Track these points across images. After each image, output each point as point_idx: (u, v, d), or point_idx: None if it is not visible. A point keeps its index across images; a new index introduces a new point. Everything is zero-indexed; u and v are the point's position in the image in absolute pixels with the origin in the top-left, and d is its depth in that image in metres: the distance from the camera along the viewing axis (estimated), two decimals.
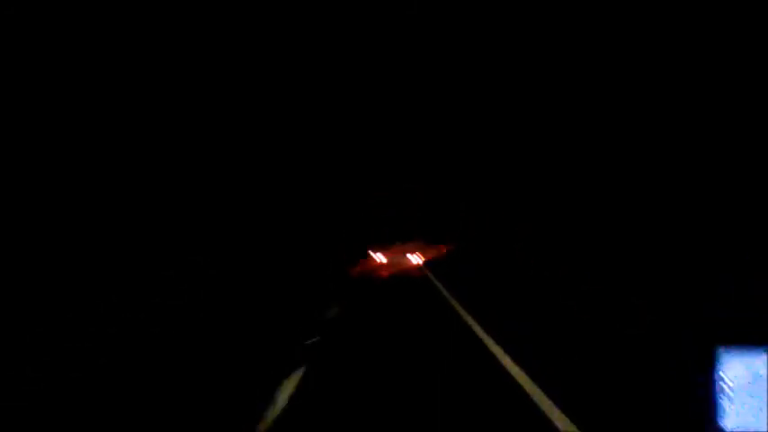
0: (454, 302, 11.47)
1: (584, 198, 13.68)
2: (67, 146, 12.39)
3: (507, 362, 5.84)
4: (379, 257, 28.34)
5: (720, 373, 1.88)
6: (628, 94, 12.18)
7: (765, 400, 1.85)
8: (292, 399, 5.13)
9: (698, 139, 10.42)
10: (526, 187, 15.91)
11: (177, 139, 15.00)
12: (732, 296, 5.10)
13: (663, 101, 11.36)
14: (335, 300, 13.31)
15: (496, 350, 6.48)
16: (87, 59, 12.20)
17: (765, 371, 1.87)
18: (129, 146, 13.74)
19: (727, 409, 1.88)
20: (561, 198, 14.66)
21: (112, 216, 13.24)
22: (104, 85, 12.72)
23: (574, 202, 14.01)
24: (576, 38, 13.03)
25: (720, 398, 1.89)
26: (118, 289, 12.30)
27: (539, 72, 14.20)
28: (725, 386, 1.88)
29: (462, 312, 10.08)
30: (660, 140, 11.37)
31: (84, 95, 12.40)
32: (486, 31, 14.43)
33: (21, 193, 11.37)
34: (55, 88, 11.85)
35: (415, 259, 26.05)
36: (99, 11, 11.84)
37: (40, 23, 11.22)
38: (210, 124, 16.01)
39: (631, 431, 3.45)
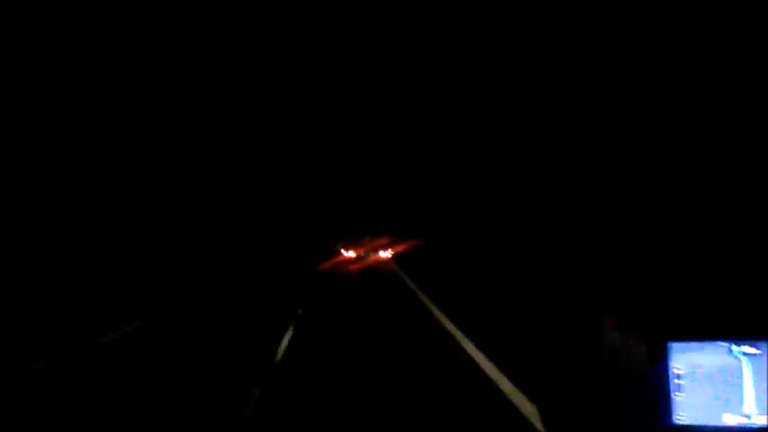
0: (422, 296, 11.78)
1: (584, 198, 13.62)
2: (68, 146, 12.47)
3: (473, 351, 5.95)
4: (348, 253, 28.72)
5: (670, 367, 1.89)
6: (628, 94, 12.13)
7: (712, 394, 1.86)
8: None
9: (698, 139, 10.37)
10: (526, 187, 15.87)
11: (178, 142, 15.07)
12: (680, 291, 5.11)
13: (663, 101, 11.31)
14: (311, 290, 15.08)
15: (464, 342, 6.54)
16: (87, 59, 12.28)
17: (715, 366, 1.88)
18: (130, 147, 13.81)
19: (675, 402, 1.89)
20: (561, 198, 14.61)
21: (113, 217, 13.30)
22: (104, 86, 12.79)
23: (574, 202, 13.96)
24: (575, 38, 12.98)
25: (669, 392, 1.90)
26: (118, 288, 12.36)
27: (538, 72, 14.16)
28: (673, 380, 1.89)
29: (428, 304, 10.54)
30: (660, 141, 11.32)
31: (84, 95, 12.48)
32: (485, 31, 14.40)
33: (21, 193, 11.44)
34: (55, 88, 11.93)
35: (384, 254, 26.31)
36: (99, 11, 11.91)
37: (40, 23, 11.31)
38: (210, 127, 16.08)
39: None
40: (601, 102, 12.93)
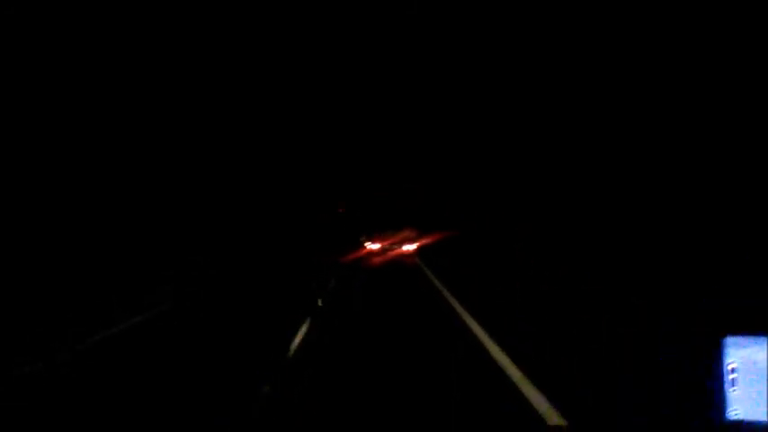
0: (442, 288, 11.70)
1: (584, 198, 13.67)
2: (68, 146, 12.40)
3: (498, 355, 5.90)
4: (371, 245, 28.65)
5: (724, 362, 1.89)
6: (627, 94, 12.18)
7: (765, 388, 1.87)
8: None
9: (697, 139, 10.42)
10: (526, 187, 15.92)
11: (178, 142, 15.01)
12: (732, 287, 5.10)
13: (663, 101, 11.36)
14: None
15: (488, 343, 6.48)
16: (87, 59, 12.22)
17: (765, 358, 1.88)
18: (130, 148, 13.75)
19: (729, 397, 1.89)
20: (561, 198, 14.66)
21: (113, 217, 13.24)
22: (104, 86, 12.72)
23: (574, 202, 14.01)
24: (575, 38, 13.01)
25: (723, 387, 1.90)
26: (118, 288, 12.29)
27: (539, 72, 14.19)
28: (727, 375, 1.89)
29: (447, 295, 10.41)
30: (660, 141, 11.37)
31: (84, 96, 12.41)
32: (485, 31, 14.42)
33: (21, 193, 11.37)
34: (55, 88, 11.86)
35: (408, 247, 25.93)
36: (99, 11, 11.85)
37: (40, 23, 11.24)
38: (211, 127, 16.02)
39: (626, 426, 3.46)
40: (601, 102, 12.98)
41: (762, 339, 1.89)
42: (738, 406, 1.91)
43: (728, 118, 9.68)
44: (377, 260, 22.27)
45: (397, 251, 25.66)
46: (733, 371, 1.90)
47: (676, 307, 6.17)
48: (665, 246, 10.08)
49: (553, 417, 3.92)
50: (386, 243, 27.43)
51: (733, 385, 1.91)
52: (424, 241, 25.59)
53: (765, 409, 1.87)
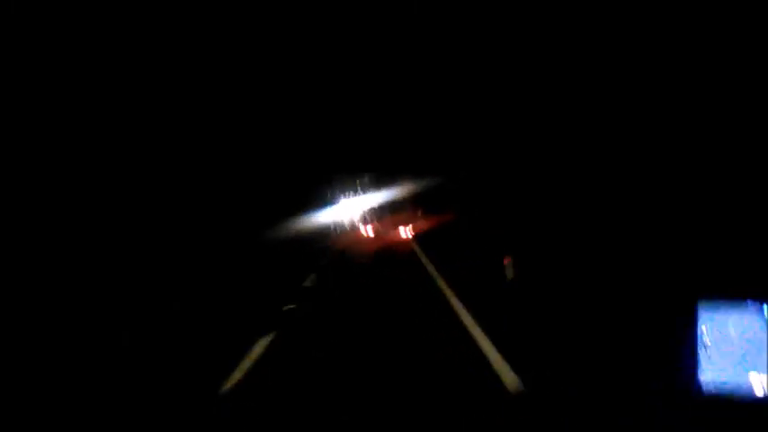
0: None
1: (585, 198, 13.70)
2: (68, 146, 12.47)
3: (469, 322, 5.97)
4: (366, 230, 27.28)
5: (697, 326, 1.97)
6: (628, 93, 12.27)
7: (739, 353, 1.96)
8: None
9: (698, 139, 10.51)
10: (526, 187, 15.98)
11: (178, 141, 15.02)
12: (706, 250, 5.10)
13: (663, 101, 11.45)
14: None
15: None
16: (87, 60, 12.28)
17: (743, 325, 1.98)
18: (130, 147, 13.79)
19: (705, 362, 1.97)
20: (561, 198, 14.71)
21: (112, 217, 13.30)
22: (104, 86, 12.77)
23: (574, 202, 14.05)
24: (575, 38, 13.09)
25: (695, 350, 1.98)
26: (116, 288, 12.35)
27: (539, 72, 14.26)
28: (701, 338, 1.97)
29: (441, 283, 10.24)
30: (660, 139, 11.46)
31: (84, 96, 12.47)
32: (486, 31, 14.49)
33: (21, 193, 11.45)
34: (55, 88, 11.93)
35: (405, 232, 24.06)
36: (99, 11, 11.91)
37: (40, 23, 11.32)
38: (210, 125, 16.03)
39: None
40: (601, 101, 13.08)
41: (734, 303, 1.96)
42: (709, 368, 1.95)
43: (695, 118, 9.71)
44: (371, 247, 21.21)
45: (392, 236, 24.23)
46: (705, 334, 1.98)
47: (650, 270, 6.13)
48: (641, 207, 10.07)
49: (513, 383, 3.88)
50: (381, 227, 26.14)
51: (706, 348, 1.96)
52: (422, 225, 24.24)
53: (735, 373, 1.94)
